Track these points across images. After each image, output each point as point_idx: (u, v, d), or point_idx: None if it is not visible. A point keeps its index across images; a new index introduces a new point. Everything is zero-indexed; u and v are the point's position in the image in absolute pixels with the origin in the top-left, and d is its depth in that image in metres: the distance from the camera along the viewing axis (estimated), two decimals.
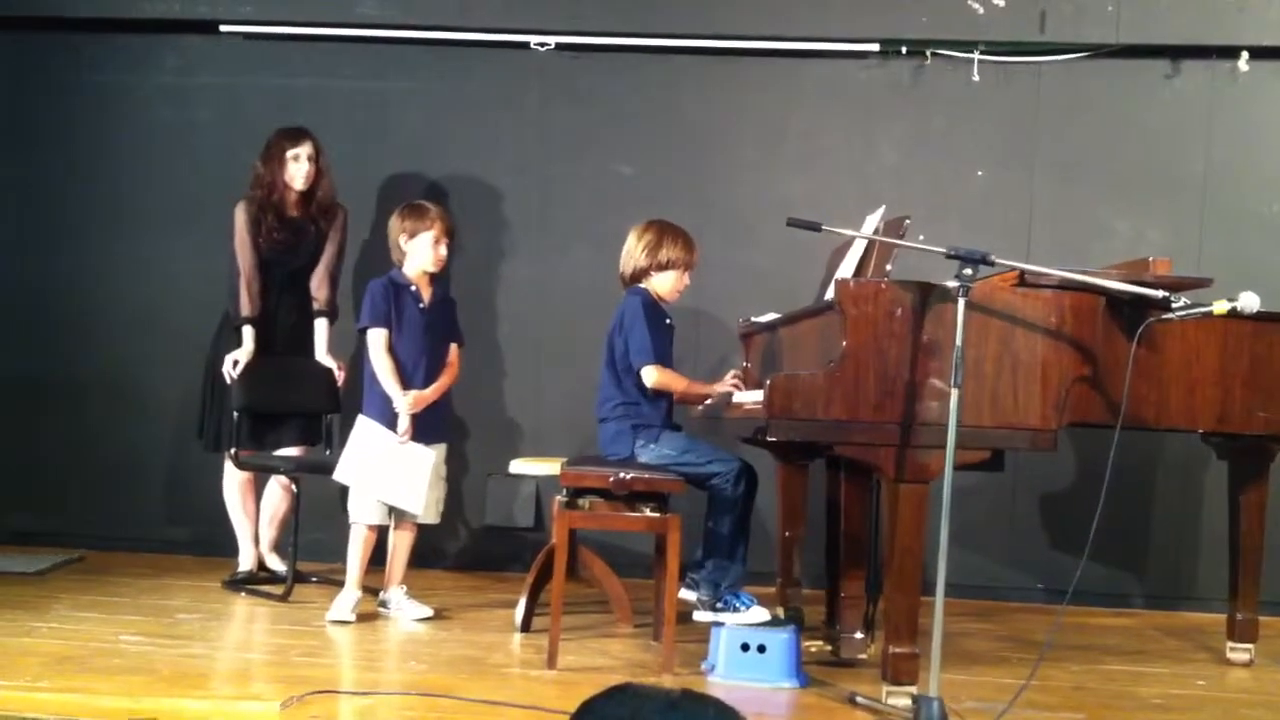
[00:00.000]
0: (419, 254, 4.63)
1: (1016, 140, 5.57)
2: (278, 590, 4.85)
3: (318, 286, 5.16)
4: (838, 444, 3.45)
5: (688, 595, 4.09)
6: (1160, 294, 3.48)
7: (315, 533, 5.22)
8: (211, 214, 5.39)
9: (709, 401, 4.35)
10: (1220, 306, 3.49)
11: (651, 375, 4.16)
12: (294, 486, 4.88)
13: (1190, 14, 5.38)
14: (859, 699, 3.50)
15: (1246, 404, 3.80)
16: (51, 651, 3.73)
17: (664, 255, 4.28)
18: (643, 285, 4.31)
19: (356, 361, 5.07)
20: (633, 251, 4.32)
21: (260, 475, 5.18)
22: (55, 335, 5.85)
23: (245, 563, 5.19)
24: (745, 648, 3.73)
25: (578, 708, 1.56)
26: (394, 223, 4.67)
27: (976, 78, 5.51)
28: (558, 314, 5.66)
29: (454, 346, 4.75)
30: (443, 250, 4.67)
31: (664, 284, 4.30)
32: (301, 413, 5.18)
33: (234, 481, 5.15)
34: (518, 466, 4.95)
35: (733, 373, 4.44)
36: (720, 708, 1.55)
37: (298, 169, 5.05)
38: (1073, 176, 5.54)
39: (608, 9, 5.61)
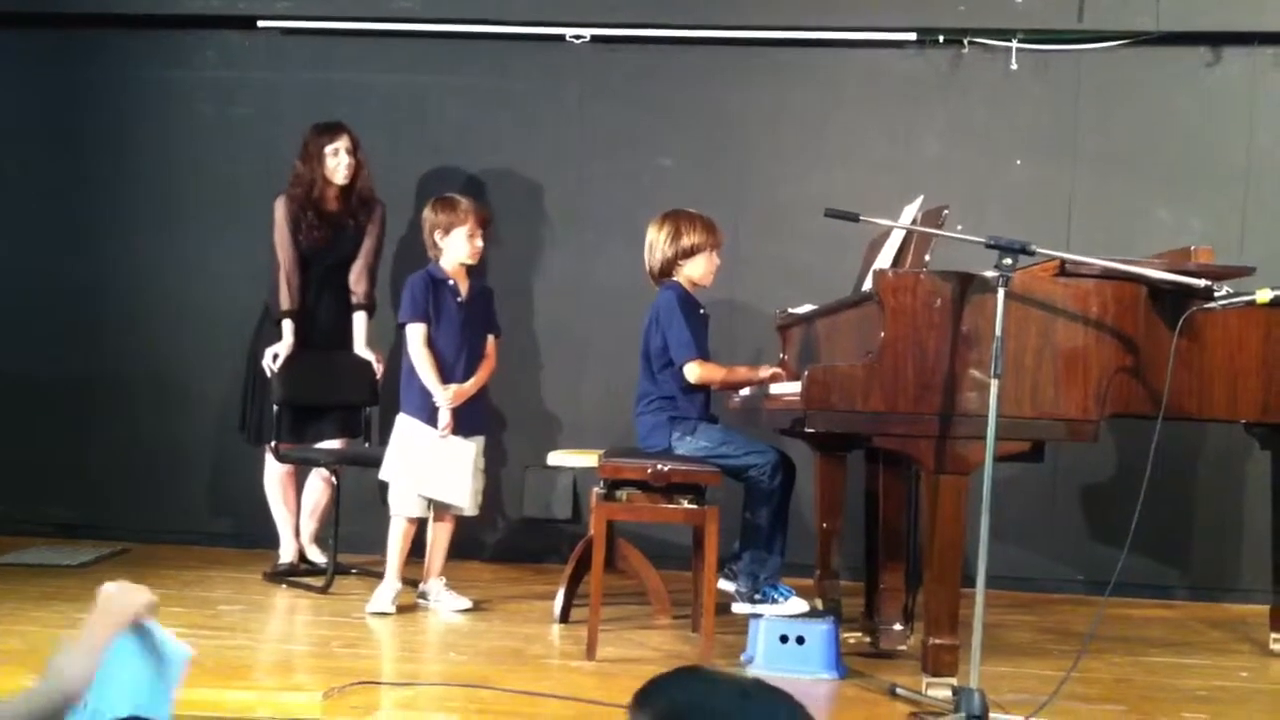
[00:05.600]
0: (455, 248, 4.65)
1: (1056, 129, 5.52)
2: (318, 582, 4.88)
3: (356, 280, 5.19)
4: (876, 435, 3.45)
5: (726, 587, 4.10)
6: (1202, 283, 3.45)
7: (355, 525, 5.23)
8: (252, 208, 5.43)
9: (748, 392, 4.34)
10: (1264, 295, 3.46)
11: (694, 371, 4.15)
12: (334, 479, 4.91)
13: (1231, 1, 5.32)
14: (899, 690, 3.50)
15: None
16: None
17: (686, 241, 4.27)
18: (674, 278, 4.30)
19: (395, 355, 5.10)
20: (655, 245, 4.31)
21: (301, 468, 5.22)
22: (97, 330, 5.89)
23: (286, 555, 5.24)
24: (784, 639, 3.73)
25: (643, 685, 1.52)
26: (428, 217, 4.69)
27: (1015, 66, 5.47)
28: (596, 307, 5.66)
29: (491, 339, 4.77)
30: (478, 242, 4.69)
31: (696, 269, 4.29)
32: (341, 405, 5.22)
33: (275, 474, 5.20)
34: (555, 459, 4.98)
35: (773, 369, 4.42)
36: (793, 703, 1.51)
37: (336, 163, 5.07)
38: (1113, 166, 5.49)
39: (644, 1, 5.60)
